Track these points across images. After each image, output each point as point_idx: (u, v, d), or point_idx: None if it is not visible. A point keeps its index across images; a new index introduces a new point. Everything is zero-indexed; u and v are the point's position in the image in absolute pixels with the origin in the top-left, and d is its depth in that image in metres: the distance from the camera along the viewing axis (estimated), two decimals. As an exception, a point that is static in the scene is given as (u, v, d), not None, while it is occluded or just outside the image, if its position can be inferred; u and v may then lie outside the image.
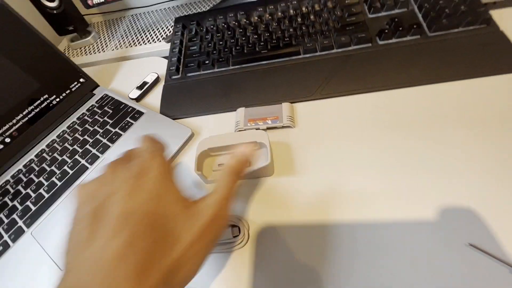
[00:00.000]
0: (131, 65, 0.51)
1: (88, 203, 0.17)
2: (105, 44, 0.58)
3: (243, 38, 0.43)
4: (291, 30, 0.42)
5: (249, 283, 0.25)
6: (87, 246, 0.15)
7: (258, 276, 0.25)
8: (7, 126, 0.39)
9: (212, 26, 0.47)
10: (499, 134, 0.28)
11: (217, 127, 0.37)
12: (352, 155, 0.30)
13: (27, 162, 0.39)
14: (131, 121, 0.40)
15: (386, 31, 0.37)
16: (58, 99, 0.43)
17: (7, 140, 0.39)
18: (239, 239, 0.27)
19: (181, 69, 0.44)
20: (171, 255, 0.16)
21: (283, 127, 0.34)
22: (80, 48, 0.60)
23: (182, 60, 0.45)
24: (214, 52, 0.43)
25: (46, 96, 0.42)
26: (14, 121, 0.40)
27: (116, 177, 0.18)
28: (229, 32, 0.44)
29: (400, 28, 0.37)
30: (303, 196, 0.29)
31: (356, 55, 0.38)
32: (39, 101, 0.42)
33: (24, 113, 0.40)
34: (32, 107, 0.41)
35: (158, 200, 0.17)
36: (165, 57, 0.49)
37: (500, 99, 0.30)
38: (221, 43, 0.44)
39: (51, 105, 0.42)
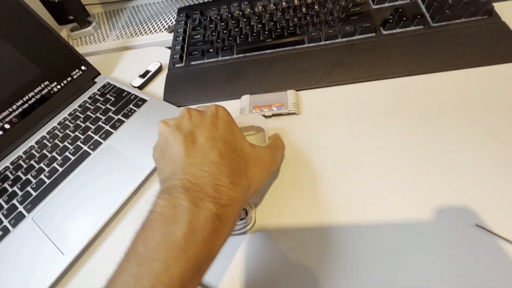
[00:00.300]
0: (133, 54, 0.50)
1: (179, 131, 0.21)
2: (106, 34, 0.58)
3: (248, 27, 0.43)
4: (295, 19, 0.42)
5: (242, 273, 0.25)
6: (190, 155, 0.19)
7: (254, 268, 0.25)
8: (6, 112, 0.38)
9: (216, 16, 0.46)
10: (500, 122, 0.28)
11: (221, 115, 0.37)
12: (355, 142, 0.30)
13: (27, 149, 0.38)
14: (134, 108, 0.39)
15: (390, 21, 0.38)
16: (59, 86, 0.42)
17: (7, 126, 0.38)
18: (245, 222, 0.26)
19: (184, 57, 0.44)
20: (247, 174, 0.21)
21: (288, 113, 0.34)
22: (80, 38, 0.59)
23: (185, 49, 0.45)
24: (218, 40, 0.43)
25: (46, 82, 0.41)
26: (14, 107, 0.39)
27: (194, 117, 0.22)
28: (233, 22, 0.44)
29: (404, 19, 0.37)
30: (306, 184, 0.29)
31: (360, 44, 0.38)
32: (39, 88, 0.41)
33: (24, 99, 0.40)
34: (32, 93, 0.40)
35: (233, 133, 0.22)
36: (168, 47, 0.49)
37: (502, 88, 0.31)
38: (225, 32, 0.43)
39: (52, 92, 0.42)
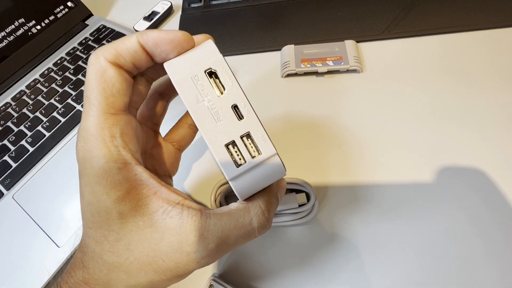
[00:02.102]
0: (134, -8, 0.40)
1: None
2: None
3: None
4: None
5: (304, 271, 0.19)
6: None
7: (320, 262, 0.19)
8: (-31, 56, 0.29)
9: None
10: None
11: (256, 70, 0.29)
12: (432, 117, 0.23)
13: (2, 107, 0.29)
14: (141, 58, 0.30)
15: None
16: (39, 27, 0.33)
17: (-29, 76, 0.29)
18: (307, 209, 0.20)
19: (204, -5, 0.34)
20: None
21: (348, 70, 0.27)
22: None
23: (204, -16, 0.35)
24: (249, -27, 0.33)
25: (22, 20, 0.31)
26: (-21, 51, 0.29)
27: None
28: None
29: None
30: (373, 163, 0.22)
31: (438, -16, 0.29)
32: (12, 27, 0.31)
33: (-8, 41, 0.30)
34: (3, 33, 0.30)
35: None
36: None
37: None
38: (257, -38, 0.33)
39: (29, 34, 0.32)
